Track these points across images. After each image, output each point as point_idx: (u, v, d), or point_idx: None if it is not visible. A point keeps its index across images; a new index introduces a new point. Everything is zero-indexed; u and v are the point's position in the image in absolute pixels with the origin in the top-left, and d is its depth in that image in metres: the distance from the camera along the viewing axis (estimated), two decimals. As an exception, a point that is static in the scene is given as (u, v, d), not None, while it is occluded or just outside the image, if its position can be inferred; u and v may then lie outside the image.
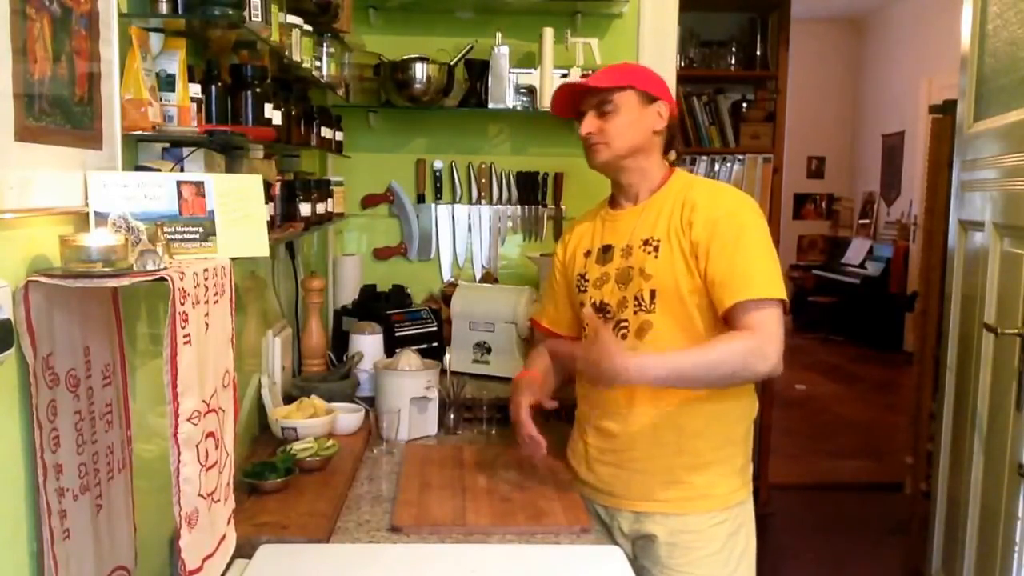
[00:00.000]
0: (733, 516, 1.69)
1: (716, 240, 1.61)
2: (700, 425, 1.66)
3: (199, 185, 1.23)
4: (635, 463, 1.68)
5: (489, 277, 2.95)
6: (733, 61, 4.26)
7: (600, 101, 1.69)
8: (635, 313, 1.67)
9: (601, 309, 1.73)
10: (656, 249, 1.66)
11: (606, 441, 1.72)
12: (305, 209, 1.93)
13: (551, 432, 2.13)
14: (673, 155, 1.80)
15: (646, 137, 1.71)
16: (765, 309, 1.58)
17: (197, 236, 1.23)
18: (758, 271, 1.60)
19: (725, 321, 1.62)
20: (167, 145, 1.38)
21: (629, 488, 1.70)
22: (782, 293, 1.60)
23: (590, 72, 1.91)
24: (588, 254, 1.80)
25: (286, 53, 1.76)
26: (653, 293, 1.65)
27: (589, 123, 1.71)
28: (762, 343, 1.56)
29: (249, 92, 1.53)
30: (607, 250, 1.75)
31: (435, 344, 2.46)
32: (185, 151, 1.39)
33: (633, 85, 1.69)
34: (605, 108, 1.69)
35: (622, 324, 1.69)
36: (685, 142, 4.01)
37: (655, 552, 1.68)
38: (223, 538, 1.24)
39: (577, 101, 1.75)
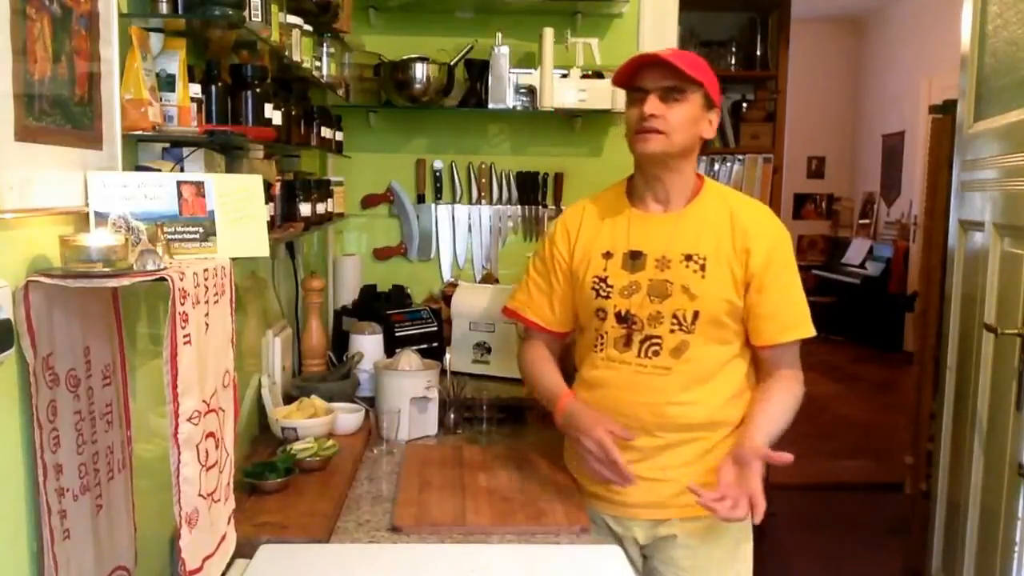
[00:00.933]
0: None
1: (770, 273, 1.62)
2: (720, 436, 1.66)
3: (199, 185, 1.23)
4: (655, 473, 1.65)
5: (489, 277, 2.95)
6: (733, 61, 4.26)
7: (673, 87, 1.57)
8: (672, 331, 1.62)
9: (625, 319, 1.65)
10: (703, 268, 1.61)
11: (624, 455, 1.62)
12: (305, 209, 1.93)
13: (547, 433, 2.13)
14: None
15: (696, 141, 1.64)
16: (799, 343, 1.67)
17: (197, 236, 1.23)
18: (802, 308, 1.65)
19: (757, 347, 1.67)
20: (167, 145, 1.38)
21: (648, 498, 1.67)
22: (813, 329, 1.67)
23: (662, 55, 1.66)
24: (609, 256, 1.69)
25: (286, 53, 1.76)
26: (696, 314, 1.61)
27: (654, 104, 1.57)
28: (802, 380, 1.67)
29: (249, 92, 1.53)
30: (637, 256, 1.66)
31: (435, 344, 2.46)
32: (185, 151, 1.39)
33: (705, 85, 1.60)
34: (675, 96, 1.58)
35: (654, 340, 1.63)
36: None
37: (671, 553, 1.67)
38: (223, 538, 1.24)
39: (636, 74, 1.61)
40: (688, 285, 1.61)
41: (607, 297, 1.67)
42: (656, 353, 1.63)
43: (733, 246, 1.61)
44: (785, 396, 1.65)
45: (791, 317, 1.64)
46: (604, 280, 1.68)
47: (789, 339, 1.64)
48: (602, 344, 1.69)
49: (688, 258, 1.63)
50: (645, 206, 1.70)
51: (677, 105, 1.58)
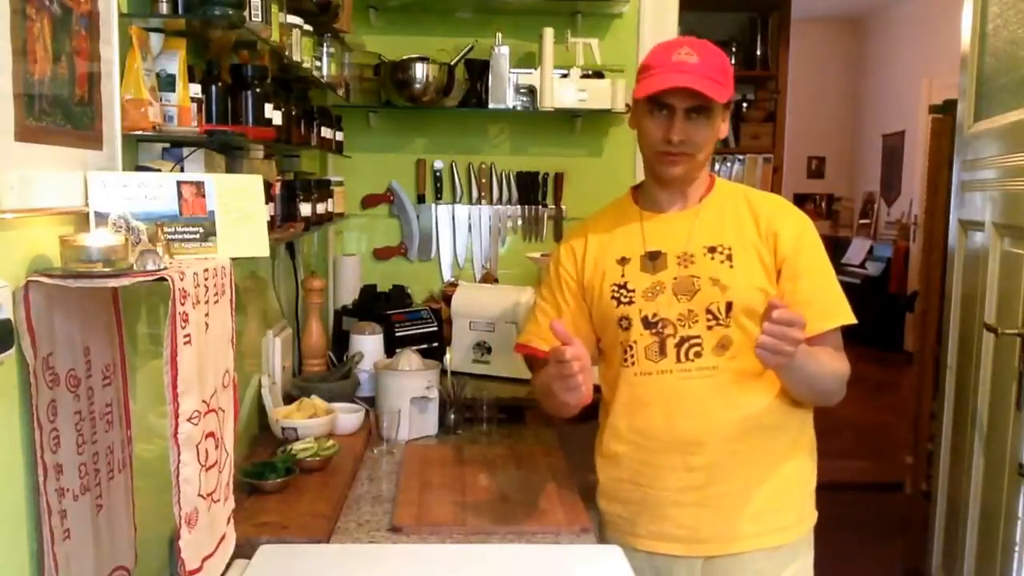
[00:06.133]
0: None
1: (803, 257, 1.55)
2: (782, 446, 1.59)
3: (199, 185, 1.23)
4: (726, 497, 1.54)
5: (489, 277, 2.96)
6: (733, 61, 4.26)
7: (702, 106, 1.50)
8: (709, 328, 1.52)
9: (654, 324, 1.55)
10: (729, 258, 1.54)
11: (685, 479, 1.53)
12: (305, 209, 1.93)
13: (547, 434, 2.13)
14: None
15: (715, 147, 1.59)
16: (841, 333, 1.59)
17: (197, 236, 1.23)
18: (840, 294, 1.59)
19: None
20: (167, 145, 1.38)
21: (720, 526, 1.54)
22: (854, 316, 1.59)
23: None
24: (625, 261, 1.60)
25: (286, 53, 1.76)
26: (729, 305, 1.52)
27: (682, 129, 1.50)
28: (848, 366, 1.59)
29: (249, 92, 1.53)
30: (655, 257, 1.58)
31: (435, 344, 2.46)
32: (185, 151, 1.39)
33: (730, 97, 1.56)
34: (700, 112, 1.51)
35: (692, 341, 1.52)
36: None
37: None
38: (223, 538, 1.24)
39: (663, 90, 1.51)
40: (717, 277, 1.53)
41: (630, 303, 1.57)
42: (698, 354, 1.53)
43: (759, 232, 1.55)
44: (833, 358, 1.56)
45: (830, 303, 1.57)
46: (623, 286, 1.58)
47: (832, 325, 1.56)
48: (632, 358, 1.57)
49: (712, 250, 1.55)
50: (659, 208, 1.62)
51: (703, 122, 1.52)
